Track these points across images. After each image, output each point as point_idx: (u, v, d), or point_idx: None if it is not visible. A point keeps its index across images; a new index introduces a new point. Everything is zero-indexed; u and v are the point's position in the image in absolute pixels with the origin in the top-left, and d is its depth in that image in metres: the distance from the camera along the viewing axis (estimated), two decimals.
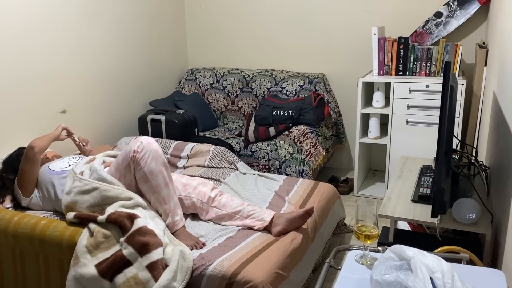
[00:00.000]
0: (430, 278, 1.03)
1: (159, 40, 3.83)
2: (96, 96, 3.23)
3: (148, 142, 2.02)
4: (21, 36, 2.64)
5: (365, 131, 3.34)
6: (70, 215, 1.98)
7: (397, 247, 1.20)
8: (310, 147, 3.15)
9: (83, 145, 2.57)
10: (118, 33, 3.38)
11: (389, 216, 1.82)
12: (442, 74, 3.06)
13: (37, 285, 2.02)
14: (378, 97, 3.21)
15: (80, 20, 3.02)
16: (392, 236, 1.87)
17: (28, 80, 2.71)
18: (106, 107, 3.33)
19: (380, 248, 1.48)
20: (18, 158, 2.30)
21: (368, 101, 3.33)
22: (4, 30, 2.53)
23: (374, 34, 3.16)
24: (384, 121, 3.26)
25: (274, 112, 3.30)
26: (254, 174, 2.74)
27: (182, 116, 3.24)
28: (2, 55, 2.53)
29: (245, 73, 3.84)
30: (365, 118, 3.32)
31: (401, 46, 3.11)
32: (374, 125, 3.23)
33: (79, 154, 2.61)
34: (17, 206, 2.25)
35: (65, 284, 1.87)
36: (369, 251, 1.42)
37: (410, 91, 3.02)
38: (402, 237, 1.98)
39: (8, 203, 2.23)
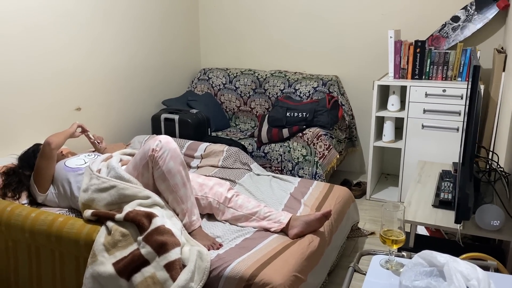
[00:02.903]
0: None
1: (172, 40, 3.83)
2: (110, 95, 3.23)
3: (167, 141, 2.00)
4: (38, 36, 2.64)
5: (379, 134, 3.32)
6: (88, 213, 1.97)
7: (427, 253, 1.18)
8: (323, 150, 3.14)
9: (98, 142, 2.57)
10: (132, 33, 3.38)
11: (410, 221, 1.80)
12: (459, 79, 3.04)
13: (52, 281, 2.01)
14: (393, 101, 3.18)
15: (95, 20, 3.02)
16: (412, 242, 1.85)
17: (44, 78, 2.71)
18: (120, 105, 3.33)
19: (404, 253, 1.46)
20: (34, 154, 2.29)
21: (382, 105, 3.31)
22: (22, 30, 2.53)
23: (391, 37, 3.14)
24: (398, 125, 3.23)
25: (287, 114, 3.29)
26: (268, 175, 2.72)
27: (196, 116, 3.23)
28: (20, 55, 2.53)
29: (258, 74, 3.83)
30: (380, 121, 3.30)
31: (418, 50, 3.09)
32: (388, 129, 3.21)
33: (94, 151, 2.60)
34: (33, 202, 2.25)
35: (80, 282, 1.87)
36: (394, 256, 1.40)
37: (426, 95, 3.00)
38: (422, 243, 1.96)
39: (24, 199, 2.23)
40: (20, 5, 2.50)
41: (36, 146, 2.37)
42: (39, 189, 2.21)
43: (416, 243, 1.87)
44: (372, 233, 2.78)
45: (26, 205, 2.19)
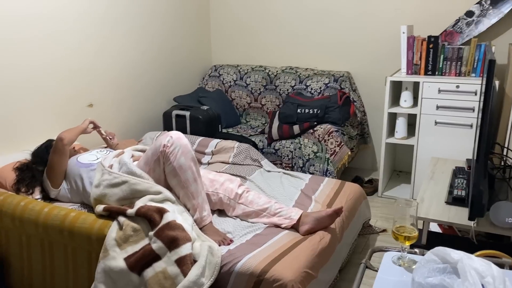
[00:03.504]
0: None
1: (183, 36, 3.83)
2: (122, 91, 3.25)
3: (178, 137, 2.01)
4: (52, 35, 2.66)
5: (391, 131, 3.29)
6: (99, 208, 1.98)
7: (440, 249, 1.16)
8: (335, 146, 3.12)
9: (109, 138, 2.58)
10: (144, 30, 3.39)
11: (423, 218, 1.78)
12: (473, 75, 2.99)
13: (65, 276, 2.03)
14: (406, 97, 3.15)
15: (107, 17, 3.04)
16: (425, 238, 1.83)
17: (57, 75, 2.73)
18: (132, 102, 3.35)
19: (417, 250, 1.44)
20: (47, 150, 2.31)
21: (395, 101, 3.28)
22: (38, 31, 2.56)
23: (403, 32, 3.11)
24: (411, 121, 3.20)
25: (298, 110, 3.27)
26: (279, 172, 2.71)
27: (207, 112, 3.23)
28: (35, 54, 2.56)
29: (269, 71, 3.82)
30: (392, 118, 3.27)
31: (431, 45, 3.04)
32: (401, 125, 3.18)
33: (106, 147, 2.62)
34: (46, 197, 2.27)
35: (92, 276, 1.88)
36: (407, 252, 1.38)
37: (439, 91, 2.96)
38: (434, 240, 1.94)
39: (37, 194, 2.25)
40: (36, 9, 2.52)
41: (49, 142, 2.39)
42: (52, 184, 2.23)
43: (429, 240, 1.85)
44: (384, 231, 2.76)
45: (39, 200, 2.21)
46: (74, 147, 2.50)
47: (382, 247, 1.47)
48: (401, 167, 3.69)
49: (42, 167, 2.29)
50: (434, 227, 2.15)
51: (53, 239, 2.00)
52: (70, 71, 2.81)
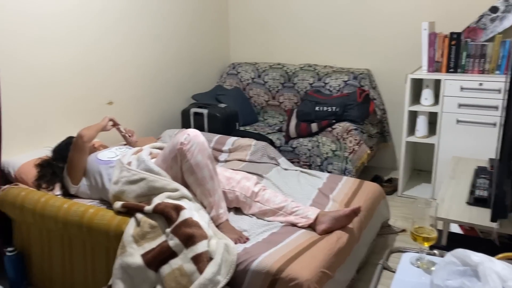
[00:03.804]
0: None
1: (202, 35, 3.84)
2: (140, 89, 3.27)
3: (195, 135, 2.01)
4: (72, 33, 2.69)
5: (411, 129, 3.23)
6: (118, 205, 2.00)
7: (460, 251, 1.13)
8: (353, 145, 3.08)
9: (129, 136, 2.61)
10: (163, 28, 3.41)
11: (443, 218, 1.74)
12: (497, 72, 2.91)
13: (83, 271, 2.06)
14: (427, 95, 3.09)
15: (126, 15, 3.06)
16: (445, 239, 1.79)
17: (78, 73, 2.77)
18: (150, 100, 3.37)
19: (436, 252, 1.41)
20: (68, 147, 2.34)
21: (415, 99, 3.22)
22: (57, 28, 2.59)
23: (425, 29, 3.04)
24: (432, 119, 3.14)
25: (316, 108, 3.24)
26: (296, 170, 2.70)
27: (224, 110, 3.23)
28: (55, 51, 2.60)
29: (287, 68, 3.79)
30: (412, 116, 3.21)
31: (453, 42, 2.98)
32: (421, 124, 3.12)
33: (125, 144, 2.65)
34: (66, 193, 2.30)
35: (110, 272, 1.90)
36: (425, 254, 1.36)
37: (461, 89, 2.89)
38: (455, 241, 1.90)
39: (57, 190, 2.29)
40: (55, 7, 2.56)
41: (70, 139, 2.42)
42: (71, 181, 2.26)
43: (449, 241, 1.81)
44: (403, 231, 2.72)
45: (59, 196, 2.25)
46: (94, 144, 2.53)
47: (400, 248, 1.45)
48: (422, 166, 3.63)
49: (63, 164, 2.33)
50: (455, 228, 2.11)
51: (72, 234, 2.04)
52: (90, 69, 2.85)
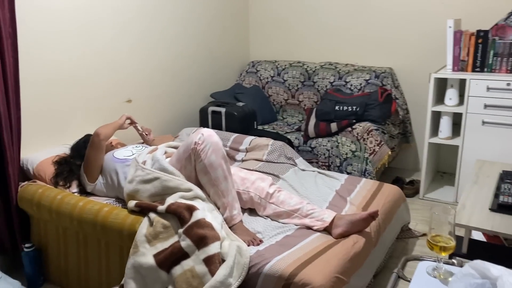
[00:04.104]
0: None
1: (222, 32, 3.82)
2: (159, 87, 3.28)
3: (209, 135, 1.99)
4: (90, 30, 2.71)
5: (435, 130, 3.13)
6: (131, 204, 2.00)
7: (479, 263, 1.07)
8: (374, 145, 3.00)
9: (146, 134, 2.61)
10: (183, 25, 3.40)
11: (464, 225, 1.67)
12: None
13: (98, 269, 2.07)
14: (451, 95, 2.99)
15: (145, 13, 3.07)
16: (466, 247, 1.71)
17: (97, 71, 2.78)
18: (169, 98, 3.38)
19: (455, 261, 1.35)
20: (85, 144, 2.36)
21: (439, 99, 3.12)
22: (75, 26, 2.61)
23: (450, 27, 2.94)
24: (456, 120, 3.03)
25: (336, 107, 3.18)
26: (313, 171, 2.65)
27: (242, 109, 3.20)
28: (74, 49, 2.62)
29: (307, 66, 3.74)
30: (436, 116, 3.11)
31: (480, 40, 2.87)
32: (445, 125, 3.02)
33: (142, 143, 2.65)
34: (83, 191, 2.32)
35: (123, 271, 1.90)
36: (443, 263, 1.29)
37: (488, 89, 2.78)
38: (477, 249, 1.82)
39: (74, 188, 2.31)
40: (74, 3, 2.58)
41: (87, 137, 2.44)
42: (88, 178, 2.28)
43: (470, 249, 1.73)
44: (424, 235, 2.63)
45: (76, 194, 2.26)
46: (111, 142, 2.54)
47: (417, 256, 1.39)
48: (445, 168, 3.52)
49: (80, 161, 2.35)
50: (478, 235, 2.02)
51: (87, 232, 2.05)
52: (110, 67, 2.86)
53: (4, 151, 2.16)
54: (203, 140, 1.97)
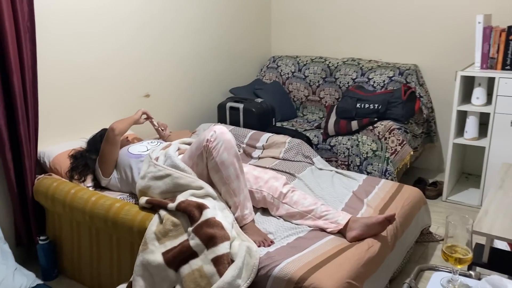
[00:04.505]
0: None
1: (243, 27, 3.77)
2: (179, 82, 3.26)
3: (222, 132, 1.95)
4: (113, 25, 2.71)
5: (460, 130, 3.00)
6: (143, 200, 1.99)
7: (496, 279, 1.00)
8: (396, 145, 2.90)
9: (161, 129, 2.59)
10: (204, 21, 3.36)
11: (485, 234, 1.57)
12: None
13: (109, 264, 2.07)
14: (478, 94, 2.85)
15: (166, 8, 3.04)
16: (487, 257, 1.62)
17: (115, 65, 2.78)
18: (188, 93, 3.36)
19: (472, 273, 1.26)
20: (101, 139, 2.36)
21: (466, 98, 2.98)
22: (96, 20, 2.61)
23: (479, 22, 2.80)
24: (483, 120, 2.90)
25: (358, 105, 3.09)
26: (331, 170, 2.58)
27: (260, 105, 3.15)
28: (93, 44, 2.62)
29: (329, 62, 3.65)
30: (462, 116, 2.98)
31: (511, 37, 2.72)
32: (471, 125, 2.89)
33: (158, 138, 2.64)
34: (97, 185, 2.33)
35: (133, 267, 1.89)
36: (459, 274, 1.22)
37: None
38: (499, 258, 1.72)
39: (89, 182, 2.31)
40: (96, 2, 2.59)
41: (104, 131, 2.44)
42: (103, 173, 2.28)
43: (492, 259, 1.64)
44: None
45: (90, 188, 2.27)
46: (127, 137, 2.54)
47: (431, 266, 1.31)
48: (471, 170, 3.38)
49: (95, 156, 2.35)
50: (501, 243, 1.92)
51: (99, 227, 2.05)
52: (129, 62, 2.86)
53: (20, 144, 2.18)
54: (215, 138, 1.94)
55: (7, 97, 2.13)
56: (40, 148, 2.38)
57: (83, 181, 2.30)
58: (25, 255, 2.36)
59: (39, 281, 2.09)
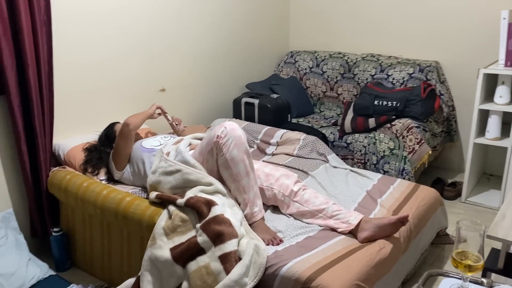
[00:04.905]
0: None
1: (262, 22, 3.73)
2: (196, 77, 3.25)
3: (232, 128, 1.93)
4: (131, 20, 2.71)
5: (482, 130, 2.91)
6: (152, 195, 1.99)
7: None
8: (414, 144, 2.83)
9: (176, 124, 2.60)
10: (221, 16, 3.34)
11: (501, 239, 1.51)
12: None
13: (120, 258, 2.09)
14: (502, 92, 2.75)
15: (185, 4, 3.03)
16: (502, 263, 1.56)
17: (131, 59, 2.78)
18: (205, 87, 3.35)
19: (484, 280, 1.21)
20: (108, 134, 2.39)
21: (489, 96, 2.88)
22: (112, 14, 2.61)
23: (504, 18, 2.70)
24: (506, 120, 2.80)
25: (375, 102, 3.03)
26: (346, 169, 2.53)
27: (276, 101, 3.12)
28: (111, 39, 2.63)
29: (348, 58, 3.58)
30: (484, 115, 2.88)
31: None
32: (494, 124, 2.79)
33: (172, 133, 2.64)
34: (110, 179, 2.34)
35: None
36: (470, 281, 1.17)
37: None
38: None
39: (102, 175, 2.33)
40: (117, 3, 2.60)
41: (111, 125, 2.46)
42: (116, 167, 2.30)
43: (507, 265, 1.58)
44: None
45: (103, 181, 2.29)
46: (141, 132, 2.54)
47: (441, 272, 1.27)
48: (493, 171, 3.28)
49: (109, 149, 2.37)
50: None
51: (110, 221, 2.06)
52: (144, 56, 2.86)
53: (36, 137, 2.21)
54: (225, 134, 1.92)
55: (23, 90, 2.16)
56: (55, 141, 2.41)
57: (97, 174, 2.32)
58: (39, 246, 2.40)
59: (52, 272, 2.12)
